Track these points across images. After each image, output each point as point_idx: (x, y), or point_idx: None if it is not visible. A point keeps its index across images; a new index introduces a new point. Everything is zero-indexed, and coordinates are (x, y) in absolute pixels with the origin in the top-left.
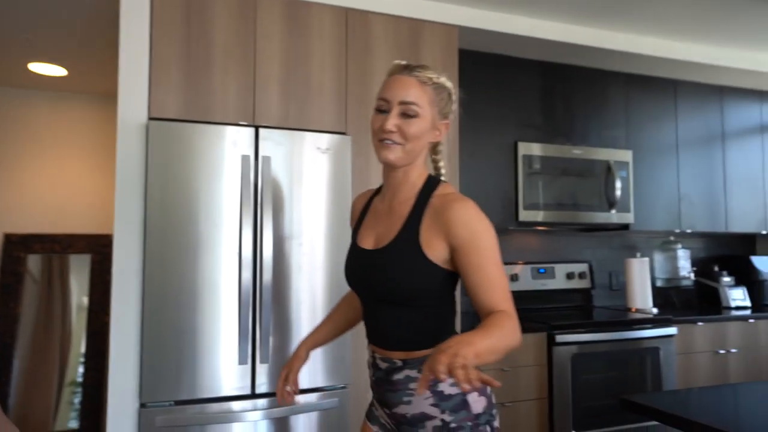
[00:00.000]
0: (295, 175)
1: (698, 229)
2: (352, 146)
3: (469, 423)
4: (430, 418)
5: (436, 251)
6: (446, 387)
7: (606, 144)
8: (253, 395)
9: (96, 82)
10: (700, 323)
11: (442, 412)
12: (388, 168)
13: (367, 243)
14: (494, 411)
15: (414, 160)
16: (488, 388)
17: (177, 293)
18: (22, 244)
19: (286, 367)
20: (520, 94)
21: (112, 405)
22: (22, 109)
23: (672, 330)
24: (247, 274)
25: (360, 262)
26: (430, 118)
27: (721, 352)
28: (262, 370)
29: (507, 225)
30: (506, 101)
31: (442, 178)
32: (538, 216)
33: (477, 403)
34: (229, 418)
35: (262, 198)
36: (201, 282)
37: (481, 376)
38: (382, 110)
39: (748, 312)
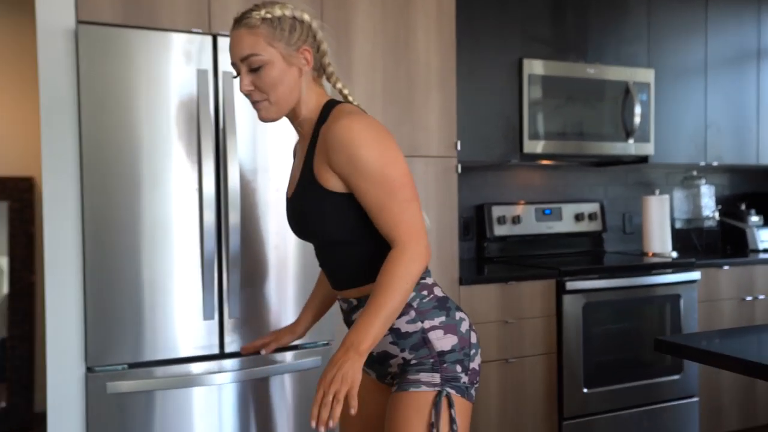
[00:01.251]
0: None
1: (726, 161)
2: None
3: (431, 360)
4: (393, 356)
5: (331, 182)
6: (403, 324)
7: (624, 62)
8: (222, 355)
9: None
10: (725, 267)
11: (402, 350)
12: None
13: (289, 191)
14: (472, 351)
15: (292, 103)
16: (462, 326)
17: (125, 238)
18: None
19: (274, 334)
20: (525, 2)
21: (51, 371)
22: None
23: (695, 275)
24: (210, 214)
25: (287, 212)
26: (279, 58)
27: (748, 299)
28: (231, 326)
29: (510, 158)
30: (509, 11)
31: (351, 99)
32: (546, 147)
33: (441, 341)
34: (194, 381)
35: (225, 123)
36: (154, 224)
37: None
38: (236, 74)
39: None
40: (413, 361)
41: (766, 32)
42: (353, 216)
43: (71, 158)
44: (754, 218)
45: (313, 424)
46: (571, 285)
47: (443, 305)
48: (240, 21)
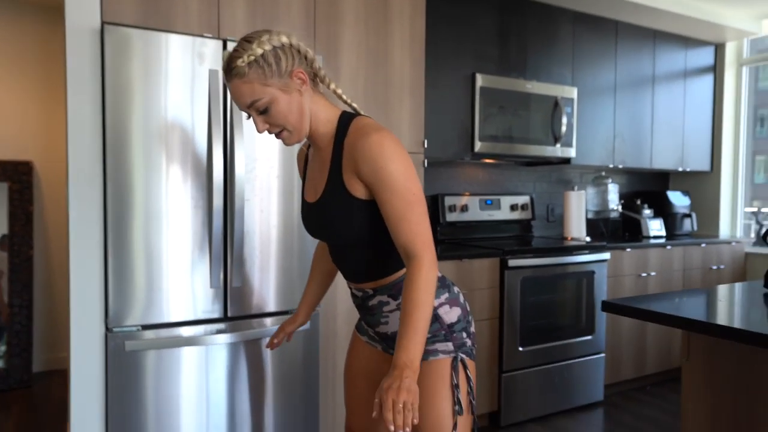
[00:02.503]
0: None
1: (628, 165)
2: (322, 66)
3: (443, 332)
4: None
5: (358, 190)
6: None
7: (554, 80)
8: (226, 318)
9: None
10: (628, 249)
11: None
12: None
13: (309, 196)
14: (470, 317)
15: (307, 122)
16: (461, 297)
17: (142, 216)
18: None
19: (281, 327)
20: (479, 26)
21: (75, 332)
22: None
23: (606, 255)
24: (218, 195)
25: (307, 216)
26: (278, 92)
27: (643, 275)
28: (235, 294)
29: (463, 156)
30: (465, 34)
31: (359, 109)
32: (492, 148)
33: (449, 314)
34: (201, 341)
35: (233, 116)
36: (168, 204)
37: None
38: (248, 116)
39: (663, 240)
40: (428, 335)
41: (659, 63)
42: (375, 220)
43: (95, 144)
44: (647, 211)
45: (392, 428)
46: (512, 262)
47: (444, 283)
48: (230, 72)
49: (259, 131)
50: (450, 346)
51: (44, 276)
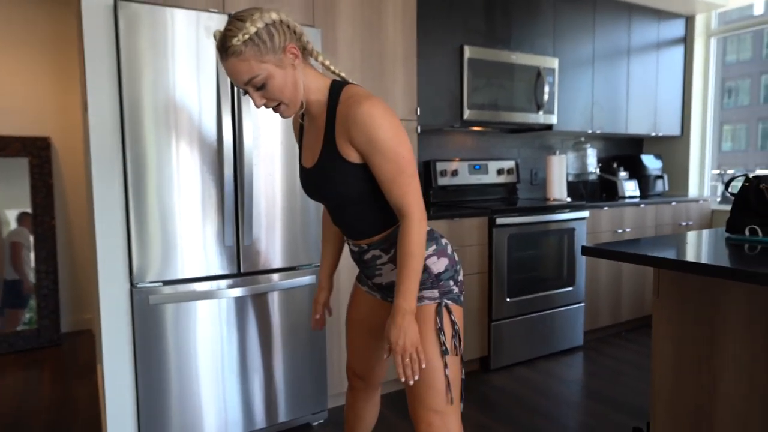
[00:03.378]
0: None
1: (605, 130)
2: (321, 40)
3: (430, 281)
4: None
5: (351, 155)
6: None
7: (537, 51)
8: (239, 274)
9: None
10: (605, 208)
11: None
12: None
13: (306, 161)
14: (458, 267)
15: (301, 94)
16: (448, 249)
17: (160, 180)
18: None
19: (315, 301)
20: (466, 2)
21: (103, 288)
22: None
23: (585, 214)
24: (229, 164)
25: (305, 180)
26: (273, 68)
27: (619, 231)
28: (246, 251)
29: (453, 123)
30: (454, 7)
31: (348, 78)
32: (479, 116)
33: (437, 264)
34: (216, 294)
35: (239, 89)
36: (182, 169)
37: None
38: (245, 93)
39: (637, 200)
40: None
41: (634, 35)
42: (367, 182)
43: (113, 115)
44: (623, 173)
45: (403, 380)
46: (499, 221)
47: (431, 236)
48: (225, 51)
49: (257, 106)
50: (435, 293)
51: (66, 244)
